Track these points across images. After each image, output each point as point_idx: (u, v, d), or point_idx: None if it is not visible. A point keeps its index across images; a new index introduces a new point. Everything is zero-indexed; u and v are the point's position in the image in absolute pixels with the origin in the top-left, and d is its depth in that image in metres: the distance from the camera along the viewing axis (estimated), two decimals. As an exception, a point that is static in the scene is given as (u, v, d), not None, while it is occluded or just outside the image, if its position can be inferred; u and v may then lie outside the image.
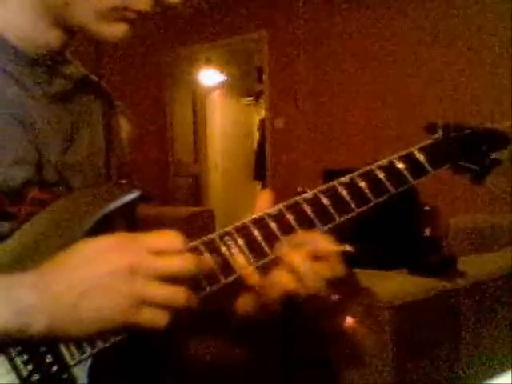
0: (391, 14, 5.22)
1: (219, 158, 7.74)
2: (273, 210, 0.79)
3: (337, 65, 5.59)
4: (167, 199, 6.70)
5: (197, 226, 4.80)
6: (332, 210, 0.80)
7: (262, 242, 0.77)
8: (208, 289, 0.74)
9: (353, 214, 0.81)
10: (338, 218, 0.81)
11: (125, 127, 1.00)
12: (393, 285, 2.27)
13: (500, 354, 2.39)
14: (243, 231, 0.77)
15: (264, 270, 0.77)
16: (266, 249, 0.77)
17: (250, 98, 7.89)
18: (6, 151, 0.78)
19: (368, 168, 0.84)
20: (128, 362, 0.78)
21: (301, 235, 0.78)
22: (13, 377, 0.68)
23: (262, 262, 0.76)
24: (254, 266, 0.76)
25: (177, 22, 6.36)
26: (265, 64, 6.24)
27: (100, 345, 0.71)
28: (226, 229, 0.76)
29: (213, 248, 0.75)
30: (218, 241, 0.75)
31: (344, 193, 0.81)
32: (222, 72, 7.46)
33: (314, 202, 0.80)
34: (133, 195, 0.81)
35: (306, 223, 0.79)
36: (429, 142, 0.90)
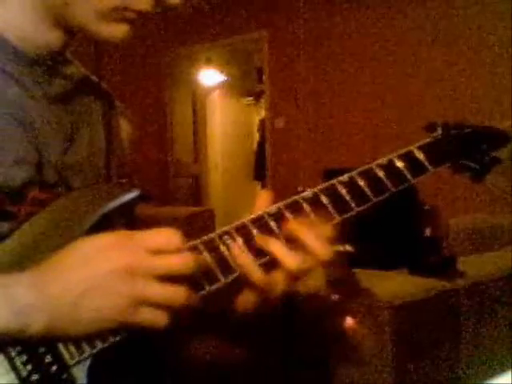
0: (391, 13, 5.22)
1: (219, 158, 7.74)
2: (272, 209, 0.79)
3: (337, 65, 5.59)
4: (167, 199, 6.70)
5: (197, 226, 4.80)
6: (331, 209, 0.80)
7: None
8: (208, 288, 0.74)
9: (352, 212, 0.81)
10: (337, 217, 0.80)
11: (125, 128, 1.00)
12: (393, 285, 2.27)
13: (500, 354, 2.39)
14: (242, 230, 0.76)
15: (265, 268, 0.77)
16: (265, 248, 0.77)
17: (250, 98, 7.89)
18: (6, 151, 0.78)
19: (367, 166, 0.84)
20: (127, 362, 0.77)
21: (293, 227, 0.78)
22: (12, 377, 0.68)
23: (262, 261, 0.76)
24: (255, 264, 0.76)
25: (177, 22, 6.36)
26: (265, 64, 6.24)
27: (99, 345, 0.71)
28: (225, 228, 0.76)
29: (212, 247, 0.75)
30: (217, 240, 0.75)
31: (343, 191, 0.81)
32: (221, 72, 7.46)
33: (314, 201, 0.80)
34: (132, 195, 0.81)
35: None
36: (428, 140, 0.90)
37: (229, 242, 0.75)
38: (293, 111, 5.93)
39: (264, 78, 6.39)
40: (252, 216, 0.78)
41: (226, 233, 0.76)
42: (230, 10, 6.26)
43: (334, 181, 0.82)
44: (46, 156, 0.82)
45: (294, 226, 0.77)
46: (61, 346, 0.70)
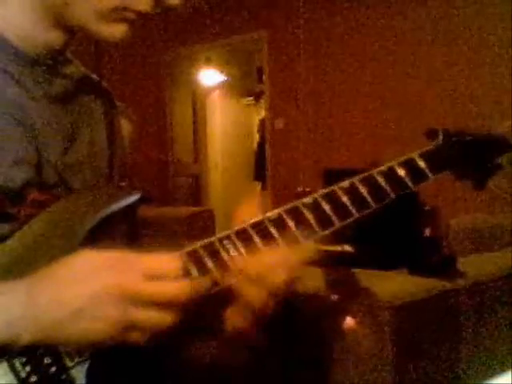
0: (391, 13, 5.22)
1: (219, 158, 7.74)
2: (272, 214, 0.78)
3: (337, 65, 5.59)
4: (167, 199, 6.70)
5: (197, 226, 4.79)
6: (332, 215, 0.80)
7: (261, 246, 0.76)
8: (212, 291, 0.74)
9: (352, 218, 0.81)
10: (337, 223, 0.80)
11: (125, 127, 1.00)
12: (393, 285, 2.27)
13: (500, 354, 2.39)
14: (242, 235, 0.76)
15: None
16: None
17: (250, 98, 7.89)
18: (6, 152, 0.78)
19: (368, 173, 0.84)
20: (126, 362, 0.77)
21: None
22: (11, 378, 0.68)
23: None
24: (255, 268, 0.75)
25: (177, 22, 6.36)
26: (265, 64, 6.24)
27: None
28: (226, 232, 0.76)
29: (211, 251, 0.74)
30: (217, 244, 0.75)
31: (344, 198, 0.81)
32: (222, 72, 7.46)
33: (314, 207, 0.80)
34: (133, 197, 0.81)
35: (306, 227, 0.79)
36: (429, 147, 0.90)
37: (229, 246, 0.75)
38: (293, 111, 5.93)
39: (264, 77, 6.39)
40: (252, 221, 0.77)
41: (226, 237, 0.76)
42: (230, 10, 6.26)
43: (334, 187, 0.82)
44: (45, 156, 0.82)
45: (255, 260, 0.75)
46: (60, 347, 0.70)
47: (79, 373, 0.71)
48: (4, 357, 0.68)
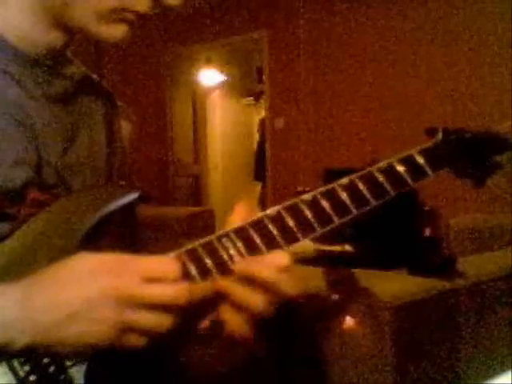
0: (391, 13, 5.22)
1: (219, 158, 7.74)
2: (271, 212, 0.78)
3: (337, 65, 5.59)
4: (167, 199, 6.70)
5: (197, 226, 4.79)
6: (331, 213, 0.80)
7: (260, 243, 0.76)
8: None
9: (351, 216, 0.81)
10: (337, 221, 0.80)
11: (125, 127, 1.00)
12: (393, 285, 2.27)
13: (500, 354, 2.39)
14: (241, 233, 0.76)
15: None
16: (264, 250, 0.76)
17: (250, 98, 7.89)
18: (6, 152, 0.78)
19: (367, 170, 0.84)
20: (125, 363, 0.77)
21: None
22: (10, 378, 0.68)
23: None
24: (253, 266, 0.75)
25: (177, 22, 6.36)
26: (265, 64, 6.24)
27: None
28: (224, 230, 0.76)
29: (210, 250, 0.74)
30: (215, 243, 0.75)
31: (343, 195, 0.81)
32: (221, 72, 7.46)
33: (313, 204, 0.80)
34: (132, 196, 0.81)
35: (305, 225, 0.79)
36: (429, 144, 0.90)
37: (227, 244, 0.75)
38: (293, 111, 5.92)
39: (264, 77, 6.39)
40: (251, 219, 0.77)
41: (225, 235, 0.76)
42: (230, 10, 6.26)
43: (334, 184, 0.82)
44: (45, 156, 0.82)
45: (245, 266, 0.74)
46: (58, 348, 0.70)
47: (78, 373, 0.71)
48: (1, 360, 0.68)
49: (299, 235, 0.78)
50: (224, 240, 0.75)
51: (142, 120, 6.45)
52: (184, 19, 6.25)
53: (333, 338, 2.02)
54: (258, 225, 0.77)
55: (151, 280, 0.68)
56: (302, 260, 2.36)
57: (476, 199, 4.19)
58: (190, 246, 0.74)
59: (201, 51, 6.92)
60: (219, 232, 0.76)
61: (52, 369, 0.69)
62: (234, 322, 0.74)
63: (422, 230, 2.72)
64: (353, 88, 5.48)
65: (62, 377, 0.70)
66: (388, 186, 0.84)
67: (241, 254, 0.75)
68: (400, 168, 0.85)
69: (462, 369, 2.34)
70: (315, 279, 2.09)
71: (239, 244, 0.75)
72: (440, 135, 0.91)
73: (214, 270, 0.73)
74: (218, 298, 0.74)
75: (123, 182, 0.90)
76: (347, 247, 2.51)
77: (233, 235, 0.75)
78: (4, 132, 0.78)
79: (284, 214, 0.78)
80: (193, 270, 0.73)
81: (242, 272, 0.73)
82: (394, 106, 5.21)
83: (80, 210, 0.77)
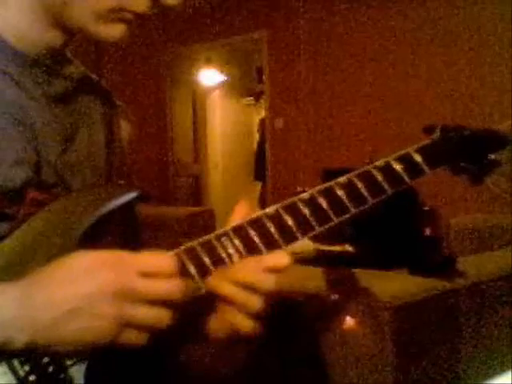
0: (391, 13, 5.22)
1: (219, 158, 7.74)
2: (270, 211, 0.78)
3: (337, 65, 5.59)
4: (167, 199, 6.70)
5: (197, 226, 4.79)
6: (329, 211, 0.80)
7: (258, 242, 0.76)
8: (203, 291, 0.74)
9: (350, 214, 0.81)
10: (335, 219, 0.80)
11: (125, 127, 1.00)
12: (393, 285, 2.27)
13: (500, 354, 2.38)
14: (240, 231, 0.76)
15: None
16: (263, 249, 0.76)
17: (250, 98, 7.90)
18: (5, 152, 0.78)
19: (365, 168, 0.84)
20: (125, 362, 0.77)
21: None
22: (10, 377, 0.68)
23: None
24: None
25: (177, 22, 6.36)
26: (265, 64, 6.24)
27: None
28: (223, 229, 0.76)
29: (209, 248, 0.74)
30: (214, 241, 0.75)
31: (341, 193, 0.81)
32: (221, 72, 7.46)
33: (311, 203, 0.80)
34: (131, 195, 0.81)
35: (304, 224, 0.79)
36: (426, 142, 0.90)
37: (226, 243, 0.75)
38: (293, 111, 5.93)
39: (264, 77, 6.39)
40: (250, 217, 0.77)
41: (224, 234, 0.76)
42: (230, 10, 6.26)
43: (331, 183, 0.82)
44: (45, 156, 0.82)
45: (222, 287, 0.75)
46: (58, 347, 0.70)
47: (78, 372, 0.71)
48: (1, 360, 0.68)
49: (298, 234, 0.78)
50: (223, 239, 0.75)
51: (142, 120, 6.45)
52: (184, 19, 6.25)
53: (333, 338, 2.02)
54: (257, 223, 0.77)
55: (148, 275, 0.68)
56: (302, 260, 2.36)
57: (476, 199, 4.19)
58: (188, 245, 0.74)
59: (201, 51, 6.92)
60: (218, 231, 0.76)
61: (52, 368, 0.69)
62: (235, 320, 0.74)
63: (422, 230, 2.71)
64: (353, 88, 5.48)
65: (62, 376, 0.70)
66: (385, 184, 0.84)
67: (239, 253, 0.75)
68: (397, 166, 0.85)
69: (462, 369, 2.34)
70: (315, 279, 2.09)
71: (238, 243, 0.75)
72: (438, 133, 0.91)
73: (212, 269, 0.74)
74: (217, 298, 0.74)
75: (122, 182, 0.90)
76: (347, 247, 2.51)
77: (231, 234, 0.76)
78: (4, 132, 0.79)
79: (282, 212, 0.78)
80: (191, 269, 0.73)
81: (212, 288, 0.74)
82: (394, 106, 5.21)
83: (79, 209, 0.77)
